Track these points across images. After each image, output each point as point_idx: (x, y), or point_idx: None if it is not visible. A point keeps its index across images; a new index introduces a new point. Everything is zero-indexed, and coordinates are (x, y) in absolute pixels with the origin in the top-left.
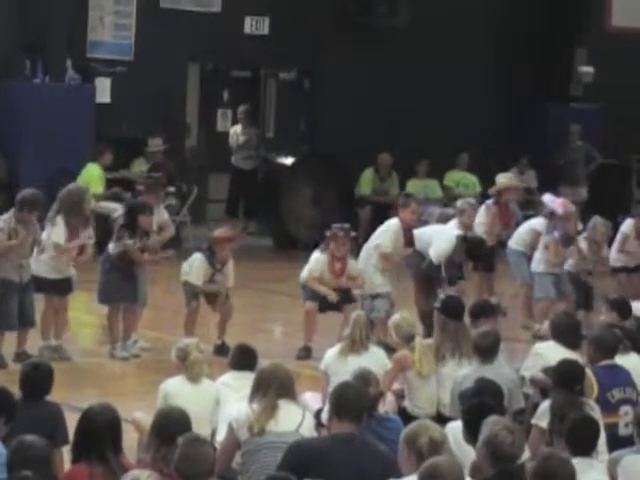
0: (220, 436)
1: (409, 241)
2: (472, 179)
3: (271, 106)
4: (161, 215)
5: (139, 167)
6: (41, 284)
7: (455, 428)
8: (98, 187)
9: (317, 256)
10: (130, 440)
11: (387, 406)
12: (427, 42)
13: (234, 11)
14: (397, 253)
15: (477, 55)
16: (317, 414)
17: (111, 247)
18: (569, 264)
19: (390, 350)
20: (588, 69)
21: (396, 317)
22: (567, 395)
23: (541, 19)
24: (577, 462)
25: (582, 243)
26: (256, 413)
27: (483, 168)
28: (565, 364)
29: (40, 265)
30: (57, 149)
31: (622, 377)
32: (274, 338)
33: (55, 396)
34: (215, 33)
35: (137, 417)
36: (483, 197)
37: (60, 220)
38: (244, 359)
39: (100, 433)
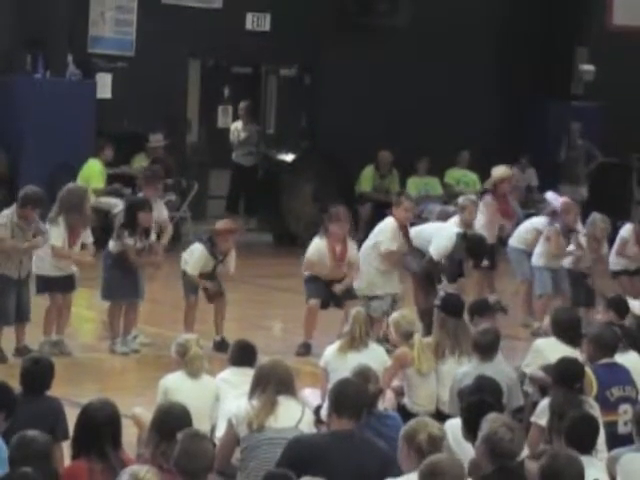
0: (219, 432)
1: (406, 238)
2: (472, 177)
3: (272, 103)
4: (160, 212)
5: (140, 163)
6: (45, 283)
7: (454, 425)
8: (99, 183)
9: (316, 241)
10: (130, 436)
11: (386, 403)
12: (428, 40)
13: (235, 7)
14: (399, 249)
15: (478, 53)
16: (316, 410)
17: (111, 245)
18: (568, 262)
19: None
20: (589, 67)
21: (395, 315)
22: (566, 393)
23: (542, 18)
24: None
25: (582, 240)
26: (255, 409)
27: (484, 166)
28: (565, 362)
29: (43, 264)
30: (58, 144)
31: (621, 375)
32: (274, 334)
33: (55, 391)
34: (216, 29)
35: (137, 413)
36: (483, 194)
37: (61, 221)
38: (244, 355)
39: (100, 428)
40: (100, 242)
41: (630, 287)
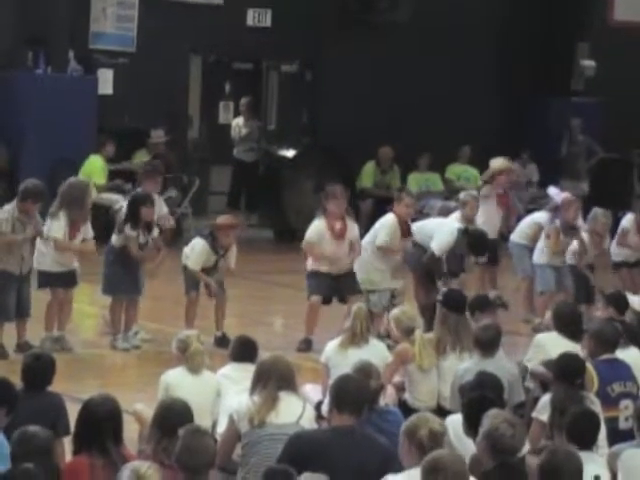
0: (220, 428)
1: (406, 233)
2: (473, 172)
3: (273, 98)
4: (160, 208)
5: (141, 158)
6: (46, 278)
7: (455, 421)
8: (100, 178)
9: (315, 222)
10: (131, 431)
11: (387, 399)
12: (429, 36)
13: (236, 3)
14: (394, 246)
15: (479, 49)
16: (317, 406)
17: (114, 239)
18: (570, 258)
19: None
20: (590, 63)
21: (396, 310)
22: (567, 389)
23: (543, 13)
24: None
25: (584, 236)
26: (256, 405)
27: (484, 161)
28: (565, 358)
29: (44, 259)
30: (59, 140)
31: (622, 371)
32: (275, 330)
33: (56, 387)
34: (217, 25)
35: (138, 408)
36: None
37: (62, 215)
38: (244, 351)
39: (101, 424)
40: (101, 238)
41: (629, 280)
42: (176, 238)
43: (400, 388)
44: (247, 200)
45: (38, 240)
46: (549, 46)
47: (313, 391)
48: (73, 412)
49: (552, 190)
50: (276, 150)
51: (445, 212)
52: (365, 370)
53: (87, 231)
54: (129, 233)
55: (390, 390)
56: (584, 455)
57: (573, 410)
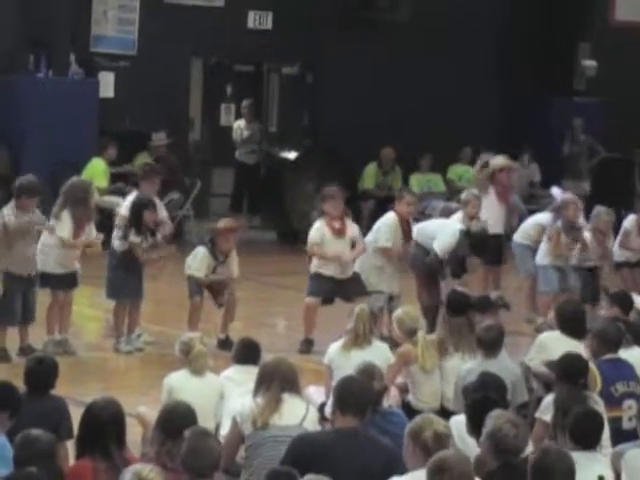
0: (224, 430)
1: (407, 234)
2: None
3: (274, 100)
4: (160, 212)
5: (143, 161)
6: (47, 279)
7: (459, 422)
8: (102, 181)
9: (315, 225)
10: (134, 435)
11: (391, 400)
12: (429, 36)
13: (237, 6)
14: (395, 246)
15: (480, 49)
16: (321, 408)
17: (117, 244)
18: (575, 258)
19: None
20: (591, 63)
21: (399, 312)
22: (571, 389)
23: (544, 13)
24: (581, 456)
25: (586, 235)
26: (260, 407)
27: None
28: (568, 358)
29: (47, 259)
30: (60, 143)
31: (626, 371)
32: (278, 332)
33: (59, 390)
34: (218, 28)
35: (141, 412)
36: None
37: (66, 215)
38: (248, 353)
39: (104, 427)
40: (104, 241)
41: (631, 280)
42: (177, 240)
43: (403, 389)
44: (249, 202)
45: (40, 241)
46: (550, 46)
47: (316, 393)
48: (76, 415)
49: (555, 190)
50: (278, 152)
51: (447, 213)
52: (368, 372)
53: (91, 231)
54: (133, 239)
55: (393, 391)
56: (588, 455)
57: (576, 410)
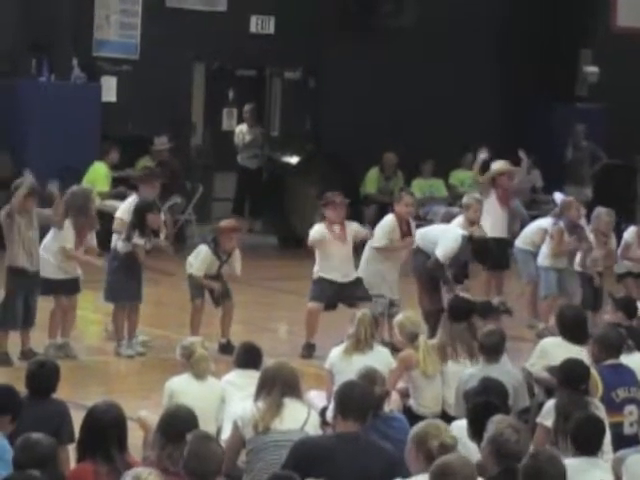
0: (225, 434)
1: (406, 234)
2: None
3: (276, 105)
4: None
5: (145, 165)
6: (49, 285)
7: (460, 427)
8: (104, 186)
9: (315, 227)
10: (135, 438)
11: (392, 405)
12: (432, 41)
13: (240, 10)
14: (392, 246)
15: (482, 55)
16: (322, 412)
17: (120, 246)
18: (578, 263)
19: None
20: (593, 69)
21: (400, 316)
22: (572, 394)
23: (546, 19)
24: (582, 461)
25: (589, 235)
26: (261, 411)
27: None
28: (570, 363)
29: (47, 266)
30: (63, 148)
31: (627, 376)
32: (279, 336)
33: (61, 394)
34: (221, 32)
35: (142, 415)
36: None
37: (68, 224)
38: (249, 357)
39: (105, 431)
40: (105, 245)
41: (635, 289)
42: (180, 244)
43: (404, 394)
44: (251, 207)
45: (42, 247)
46: (553, 52)
47: (318, 397)
48: (77, 419)
49: (557, 196)
50: (280, 157)
51: (449, 218)
52: (370, 376)
53: (92, 240)
54: (137, 241)
55: (395, 396)
56: (589, 461)
57: (578, 416)
